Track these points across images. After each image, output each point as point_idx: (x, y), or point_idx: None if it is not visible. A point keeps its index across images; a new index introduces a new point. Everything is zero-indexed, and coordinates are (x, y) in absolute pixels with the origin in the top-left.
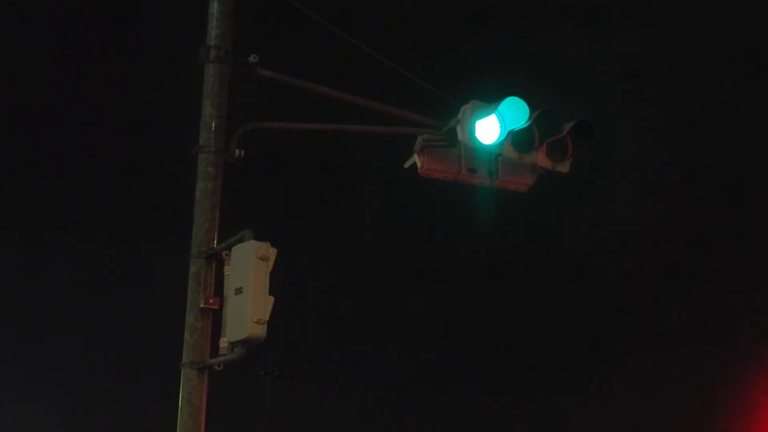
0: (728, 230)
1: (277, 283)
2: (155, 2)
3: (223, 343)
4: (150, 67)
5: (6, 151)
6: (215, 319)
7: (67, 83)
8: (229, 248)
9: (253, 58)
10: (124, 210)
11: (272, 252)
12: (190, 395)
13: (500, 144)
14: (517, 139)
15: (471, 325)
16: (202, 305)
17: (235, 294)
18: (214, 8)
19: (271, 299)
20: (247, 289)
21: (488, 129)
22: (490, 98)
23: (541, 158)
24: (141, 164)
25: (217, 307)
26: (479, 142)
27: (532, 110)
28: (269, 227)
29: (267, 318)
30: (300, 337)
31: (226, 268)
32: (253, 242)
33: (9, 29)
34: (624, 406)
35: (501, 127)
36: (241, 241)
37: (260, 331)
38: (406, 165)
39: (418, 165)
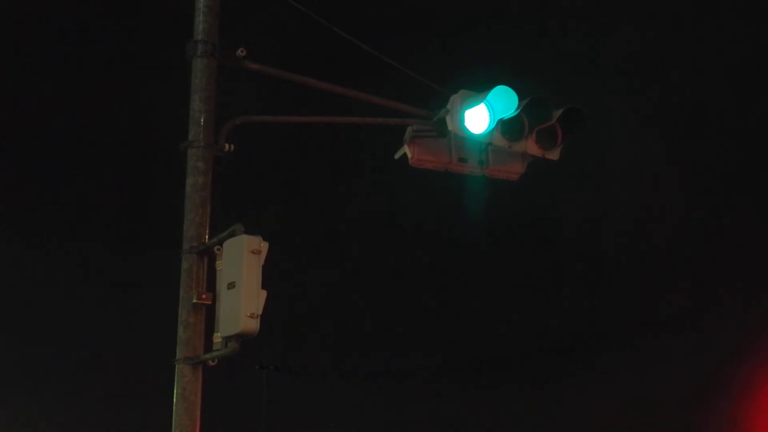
0: (723, 223)
1: (273, 277)
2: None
3: (217, 338)
4: (145, 64)
5: (5, 152)
6: (208, 315)
7: (65, 84)
8: (220, 243)
9: (240, 52)
10: (116, 208)
11: (264, 246)
12: (185, 391)
13: (490, 133)
14: (506, 128)
15: (469, 317)
16: (194, 301)
17: (228, 289)
18: (201, 2)
19: (264, 293)
20: (240, 284)
21: (478, 118)
22: (479, 88)
23: (530, 146)
24: (134, 161)
25: (210, 302)
26: (469, 131)
27: (521, 99)
28: (267, 221)
29: (260, 312)
30: (296, 331)
31: (218, 263)
32: (244, 236)
33: (5, 29)
34: (623, 392)
35: (490, 116)
36: (232, 235)
37: (253, 325)
38: (397, 156)
39: (409, 155)
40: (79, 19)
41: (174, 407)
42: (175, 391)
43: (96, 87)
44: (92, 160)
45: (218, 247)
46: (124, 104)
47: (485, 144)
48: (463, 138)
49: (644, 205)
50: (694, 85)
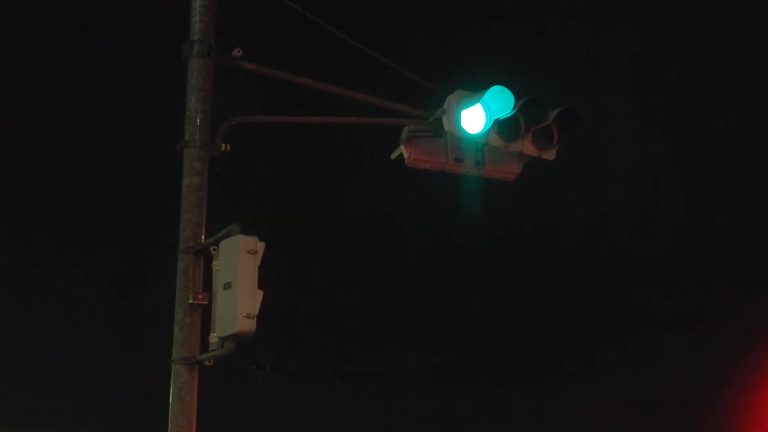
0: (722, 223)
1: (271, 277)
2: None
3: (213, 338)
4: (139, 64)
5: (3, 152)
6: (204, 315)
7: (63, 84)
8: (216, 243)
9: (237, 52)
10: (112, 208)
11: (260, 246)
12: (181, 391)
13: (486, 133)
14: (502, 128)
15: (468, 317)
16: (191, 301)
17: (224, 289)
18: (198, 2)
19: (260, 293)
20: (236, 284)
21: (474, 118)
22: (478, 87)
23: (527, 146)
24: (134, 161)
25: (206, 303)
26: (465, 131)
27: (518, 99)
28: (264, 221)
29: (256, 312)
30: (294, 332)
31: (214, 263)
32: (240, 236)
33: (3, 29)
34: (615, 392)
35: (487, 116)
36: (228, 235)
37: (250, 325)
38: (393, 156)
39: (405, 155)
40: (78, 19)
41: (170, 408)
42: (171, 392)
43: (95, 87)
44: (91, 160)
45: (214, 247)
46: (124, 104)
47: (481, 144)
48: (460, 138)
49: (644, 205)
50: (694, 85)
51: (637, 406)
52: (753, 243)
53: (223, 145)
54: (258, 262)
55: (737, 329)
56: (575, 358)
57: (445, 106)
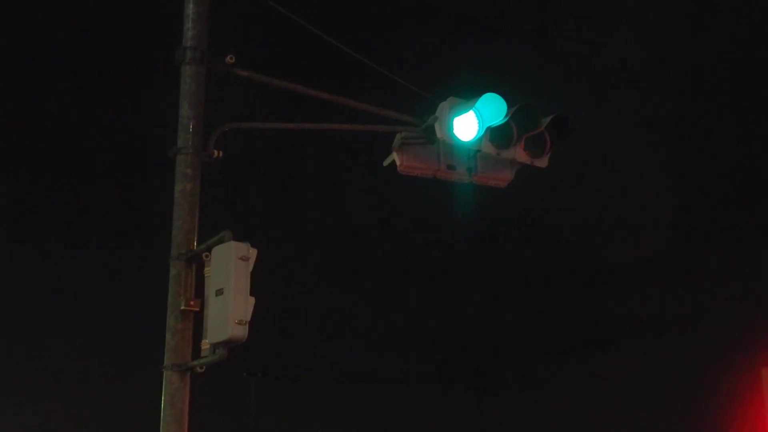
0: (713, 226)
1: (263, 282)
2: (133, 4)
3: (205, 344)
4: (132, 69)
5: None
6: (196, 321)
7: (63, 87)
8: (209, 249)
9: (229, 59)
10: (108, 212)
11: (252, 252)
12: (173, 398)
13: (479, 140)
14: (495, 135)
15: (465, 321)
16: (182, 307)
17: (216, 295)
18: (190, 9)
19: (252, 300)
20: (228, 290)
21: (466, 125)
22: (468, 94)
23: (519, 153)
24: (124, 166)
25: (198, 309)
26: (458, 138)
27: (511, 105)
28: (257, 225)
29: (248, 319)
30: (286, 337)
31: (206, 269)
32: (232, 243)
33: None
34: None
35: (479, 123)
36: (221, 241)
37: (242, 332)
38: (386, 163)
39: (397, 162)
40: (73, 25)
41: (162, 414)
42: (163, 398)
43: (88, 93)
44: (85, 164)
45: (207, 253)
46: (117, 110)
47: (474, 151)
48: (452, 145)
49: (642, 207)
50: (692, 88)
51: (637, 406)
52: (750, 245)
53: (215, 152)
54: (250, 269)
55: (735, 330)
56: (575, 360)
57: (437, 113)
